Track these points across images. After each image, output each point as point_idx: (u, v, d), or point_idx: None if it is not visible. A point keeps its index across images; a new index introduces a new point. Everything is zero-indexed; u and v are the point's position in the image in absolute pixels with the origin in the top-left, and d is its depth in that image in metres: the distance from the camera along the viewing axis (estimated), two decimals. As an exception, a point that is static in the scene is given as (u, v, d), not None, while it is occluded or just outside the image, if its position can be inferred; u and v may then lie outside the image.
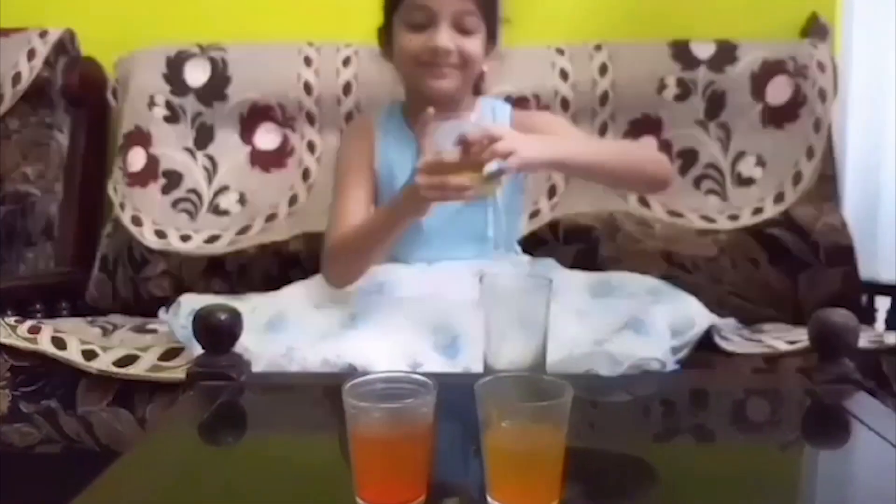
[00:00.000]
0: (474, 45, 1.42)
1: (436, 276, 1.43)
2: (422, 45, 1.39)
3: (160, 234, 1.81)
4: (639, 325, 1.30)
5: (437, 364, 1.21)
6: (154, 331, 1.52)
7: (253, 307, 1.38)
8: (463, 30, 1.40)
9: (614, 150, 1.55)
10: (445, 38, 1.38)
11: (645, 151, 1.62)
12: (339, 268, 1.40)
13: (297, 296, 1.46)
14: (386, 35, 1.48)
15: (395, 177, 1.48)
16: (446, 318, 1.27)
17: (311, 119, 1.89)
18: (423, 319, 1.27)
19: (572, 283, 1.49)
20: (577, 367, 1.18)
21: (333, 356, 1.18)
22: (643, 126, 1.89)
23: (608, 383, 1.17)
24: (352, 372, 1.13)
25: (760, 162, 1.86)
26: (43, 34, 1.99)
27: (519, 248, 1.61)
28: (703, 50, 1.90)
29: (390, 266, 1.43)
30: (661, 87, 1.88)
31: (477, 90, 1.55)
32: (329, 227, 1.46)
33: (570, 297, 1.41)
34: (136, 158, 1.85)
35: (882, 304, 1.80)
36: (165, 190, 1.84)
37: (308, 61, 1.90)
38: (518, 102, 1.82)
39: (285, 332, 1.29)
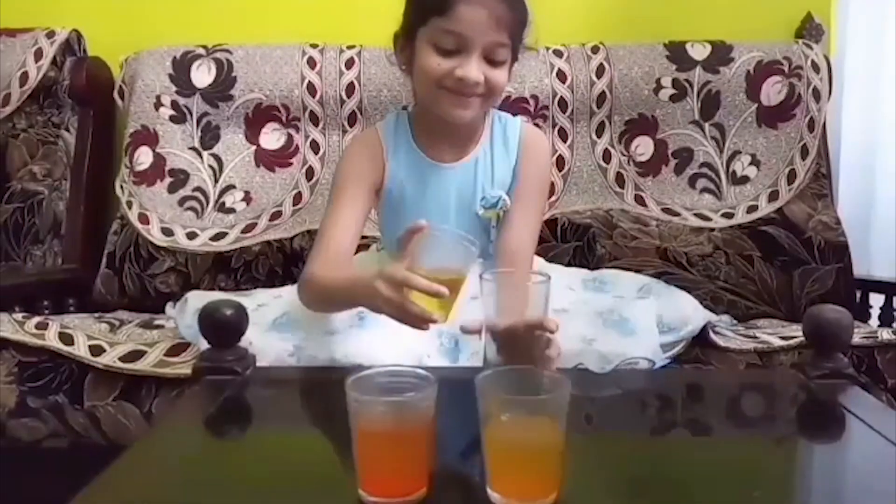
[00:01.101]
0: (502, 76, 1.34)
1: None
2: (448, 72, 1.30)
3: (167, 232, 1.82)
4: (624, 324, 1.31)
5: (441, 364, 1.22)
6: (160, 326, 1.52)
7: (258, 304, 1.39)
8: (492, 61, 1.32)
9: None
10: (475, 69, 1.30)
11: None
12: (308, 301, 1.34)
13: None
14: (405, 41, 1.39)
15: (405, 197, 1.44)
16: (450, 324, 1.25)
17: (314, 119, 1.91)
18: None
19: (563, 281, 1.48)
20: (567, 362, 1.17)
21: (341, 355, 1.19)
22: (639, 126, 1.91)
23: (605, 379, 1.18)
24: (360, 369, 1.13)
25: (755, 161, 1.88)
26: (50, 35, 2.00)
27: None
28: (699, 51, 1.92)
29: None
30: (658, 87, 1.90)
31: None
32: (314, 247, 1.39)
33: (557, 295, 1.40)
34: (143, 157, 1.87)
35: (876, 300, 1.81)
36: (172, 188, 1.86)
37: (312, 63, 1.91)
38: (516, 103, 1.84)
39: (292, 331, 1.28)
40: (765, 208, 1.84)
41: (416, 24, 1.34)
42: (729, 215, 1.84)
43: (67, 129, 1.99)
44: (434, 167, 1.44)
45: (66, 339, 1.40)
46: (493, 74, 1.32)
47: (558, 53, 1.94)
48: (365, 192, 1.41)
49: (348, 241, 1.37)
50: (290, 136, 1.91)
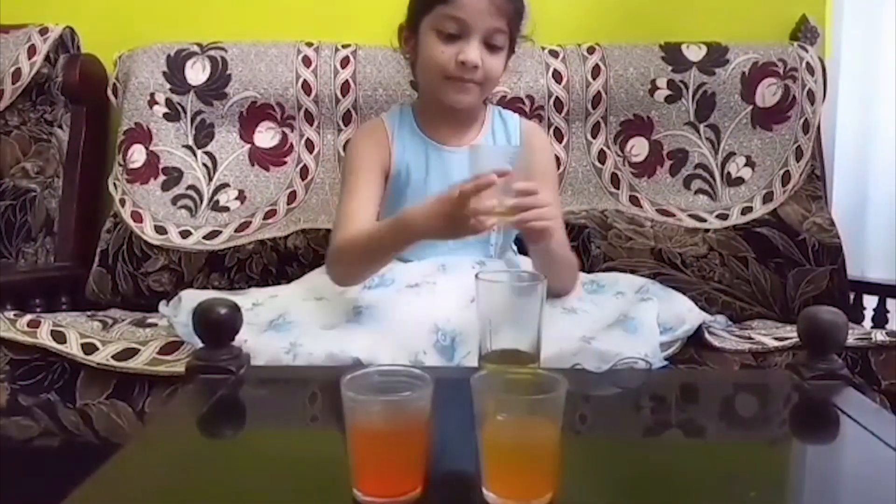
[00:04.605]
0: (499, 63, 1.44)
1: (437, 267, 1.42)
2: (451, 58, 1.39)
3: (160, 230, 1.81)
4: (628, 323, 1.32)
5: (437, 363, 1.22)
6: (154, 325, 1.51)
7: (254, 303, 1.39)
8: (491, 46, 1.41)
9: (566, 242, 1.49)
10: (475, 53, 1.38)
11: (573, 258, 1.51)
12: (343, 269, 1.38)
13: (297, 293, 1.46)
14: (409, 32, 1.48)
15: (410, 180, 1.49)
16: (446, 321, 1.28)
17: (309, 118, 1.90)
18: (424, 318, 1.27)
19: None
20: (565, 362, 1.18)
21: (338, 350, 1.19)
22: (634, 127, 1.91)
23: (601, 379, 1.17)
24: (356, 366, 1.10)
25: (750, 162, 1.89)
26: (43, 31, 1.99)
27: (515, 248, 1.62)
28: (694, 52, 1.92)
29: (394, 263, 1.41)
30: (653, 88, 1.90)
31: (485, 100, 1.57)
32: (336, 226, 1.43)
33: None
34: (137, 155, 1.86)
35: (869, 302, 1.82)
36: (165, 186, 1.85)
37: (307, 61, 1.91)
38: (512, 103, 1.84)
39: (288, 331, 1.28)
40: (759, 210, 1.85)
41: (421, 13, 1.43)
42: (723, 216, 1.85)
43: (60, 127, 1.98)
44: (437, 150, 1.51)
45: (59, 336, 1.39)
46: (490, 61, 1.41)
47: (554, 54, 1.94)
48: (377, 176, 1.48)
49: (367, 220, 1.41)
50: (284, 135, 1.91)
